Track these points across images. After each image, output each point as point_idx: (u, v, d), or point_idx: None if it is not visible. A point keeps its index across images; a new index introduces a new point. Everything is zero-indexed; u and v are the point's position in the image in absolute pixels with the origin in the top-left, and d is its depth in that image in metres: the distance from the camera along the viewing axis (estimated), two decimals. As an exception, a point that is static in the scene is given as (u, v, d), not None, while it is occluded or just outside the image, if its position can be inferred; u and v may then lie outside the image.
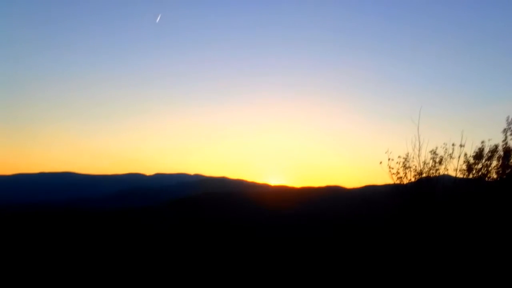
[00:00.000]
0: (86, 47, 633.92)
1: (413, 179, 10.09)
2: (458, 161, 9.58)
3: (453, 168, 9.65)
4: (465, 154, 9.48)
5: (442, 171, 9.83)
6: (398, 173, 10.10)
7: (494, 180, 9.32)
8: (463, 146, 9.46)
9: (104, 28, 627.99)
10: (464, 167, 9.46)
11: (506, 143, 9.07)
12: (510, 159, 9.00)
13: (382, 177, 10.40)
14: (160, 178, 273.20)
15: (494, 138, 9.30)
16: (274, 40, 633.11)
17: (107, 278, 21.06)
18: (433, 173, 9.89)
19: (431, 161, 9.86)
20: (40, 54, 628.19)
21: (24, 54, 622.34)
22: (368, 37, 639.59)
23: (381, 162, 10.25)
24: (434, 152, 9.81)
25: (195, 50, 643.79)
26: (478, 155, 9.31)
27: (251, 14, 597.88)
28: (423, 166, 9.92)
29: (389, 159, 10.19)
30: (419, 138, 9.83)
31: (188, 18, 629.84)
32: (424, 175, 9.96)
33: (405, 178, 10.09)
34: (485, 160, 9.25)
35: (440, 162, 9.78)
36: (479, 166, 9.32)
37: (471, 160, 9.36)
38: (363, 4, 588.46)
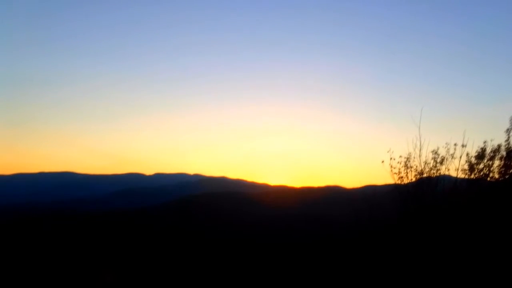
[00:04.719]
0: (86, 47, 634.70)
1: (413, 179, 10.06)
2: (460, 161, 9.56)
3: (455, 168, 9.62)
4: (467, 154, 9.45)
5: (443, 171, 9.80)
6: (399, 172, 10.10)
7: (496, 180, 9.27)
8: (465, 146, 9.44)
9: (104, 28, 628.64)
10: (466, 167, 9.42)
11: (509, 143, 9.02)
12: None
13: (382, 177, 10.41)
14: (160, 178, 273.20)
15: (496, 138, 9.27)
16: (274, 41, 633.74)
17: (107, 278, 21.01)
18: (434, 173, 9.86)
19: (432, 161, 9.85)
20: (40, 54, 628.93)
21: (24, 54, 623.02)
22: (368, 37, 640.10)
23: (383, 161, 10.29)
24: (435, 152, 9.79)
25: (196, 50, 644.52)
26: (480, 155, 9.27)
27: (252, 15, 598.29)
28: (424, 166, 9.90)
29: (391, 159, 10.20)
30: (420, 138, 9.83)
31: (189, 18, 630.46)
32: (425, 175, 9.93)
33: (406, 178, 10.09)
34: (487, 160, 9.22)
35: (441, 162, 9.75)
36: (481, 166, 9.28)
37: (473, 160, 9.33)
38: (363, 5, 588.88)
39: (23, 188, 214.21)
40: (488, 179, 9.36)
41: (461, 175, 9.59)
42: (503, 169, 9.08)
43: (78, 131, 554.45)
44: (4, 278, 20.47)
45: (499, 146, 9.16)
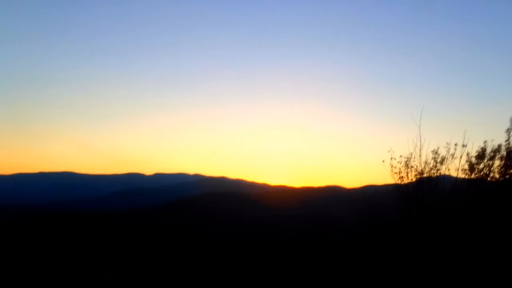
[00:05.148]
0: (86, 47, 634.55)
1: (414, 179, 10.03)
2: (460, 161, 9.51)
3: (455, 168, 9.59)
4: (468, 154, 9.43)
5: (443, 171, 9.76)
6: (400, 172, 10.07)
7: (496, 180, 9.24)
8: (466, 146, 9.39)
9: (104, 28, 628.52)
10: (466, 167, 9.39)
11: (509, 143, 9.00)
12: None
13: (383, 177, 10.39)
14: (159, 178, 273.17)
15: (497, 138, 9.23)
16: (274, 41, 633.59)
17: (107, 278, 20.99)
18: (434, 173, 9.82)
19: (432, 161, 9.80)
20: (41, 54, 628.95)
21: (24, 54, 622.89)
22: (369, 36, 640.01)
23: (383, 161, 10.28)
24: (435, 152, 9.75)
25: (196, 51, 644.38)
26: (481, 155, 9.25)
27: (251, 15, 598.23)
28: (424, 166, 9.86)
29: (391, 158, 10.18)
30: (420, 138, 9.79)
31: (190, 18, 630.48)
32: (425, 175, 9.89)
33: (406, 177, 10.05)
34: (487, 160, 9.19)
35: (441, 162, 9.71)
36: (481, 166, 9.25)
37: (473, 160, 9.30)
38: (363, 5, 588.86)
39: (23, 188, 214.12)
40: (489, 179, 9.30)
41: (461, 175, 9.54)
42: (504, 169, 9.04)
43: (78, 131, 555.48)
44: (4, 278, 20.44)
45: (499, 146, 9.11)
